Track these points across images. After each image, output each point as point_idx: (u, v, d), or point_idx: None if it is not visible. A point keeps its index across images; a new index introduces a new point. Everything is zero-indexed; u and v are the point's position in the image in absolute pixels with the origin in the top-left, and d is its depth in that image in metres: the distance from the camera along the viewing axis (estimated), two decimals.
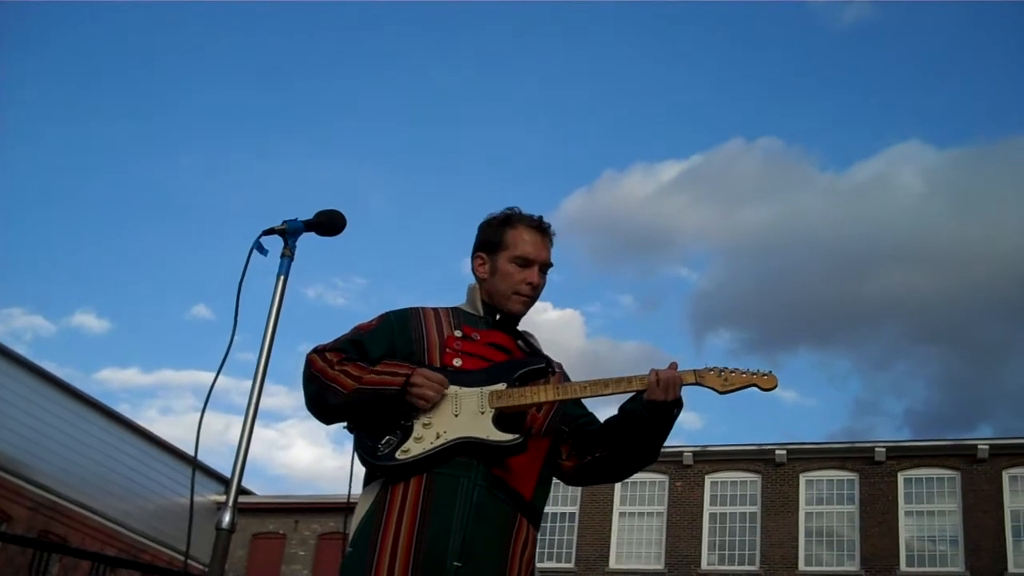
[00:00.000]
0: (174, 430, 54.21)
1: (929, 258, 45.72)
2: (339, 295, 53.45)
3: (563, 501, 26.69)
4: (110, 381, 50.58)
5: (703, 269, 53.48)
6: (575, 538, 26.55)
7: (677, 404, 2.99)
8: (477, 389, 2.97)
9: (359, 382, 2.94)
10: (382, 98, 54.31)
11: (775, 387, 3.00)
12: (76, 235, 51.69)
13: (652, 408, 2.97)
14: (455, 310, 3.21)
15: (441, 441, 2.89)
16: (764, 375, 3.00)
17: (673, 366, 2.99)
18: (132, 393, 53.93)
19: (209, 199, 53.16)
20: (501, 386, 2.97)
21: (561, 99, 54.08)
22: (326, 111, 54.13)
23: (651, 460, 3.14)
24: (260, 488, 32.43)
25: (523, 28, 53.26)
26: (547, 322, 47.54)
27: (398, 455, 2.89)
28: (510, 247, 3.16)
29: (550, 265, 3.21)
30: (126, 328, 53.79)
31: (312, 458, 55.47)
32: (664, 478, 26.67)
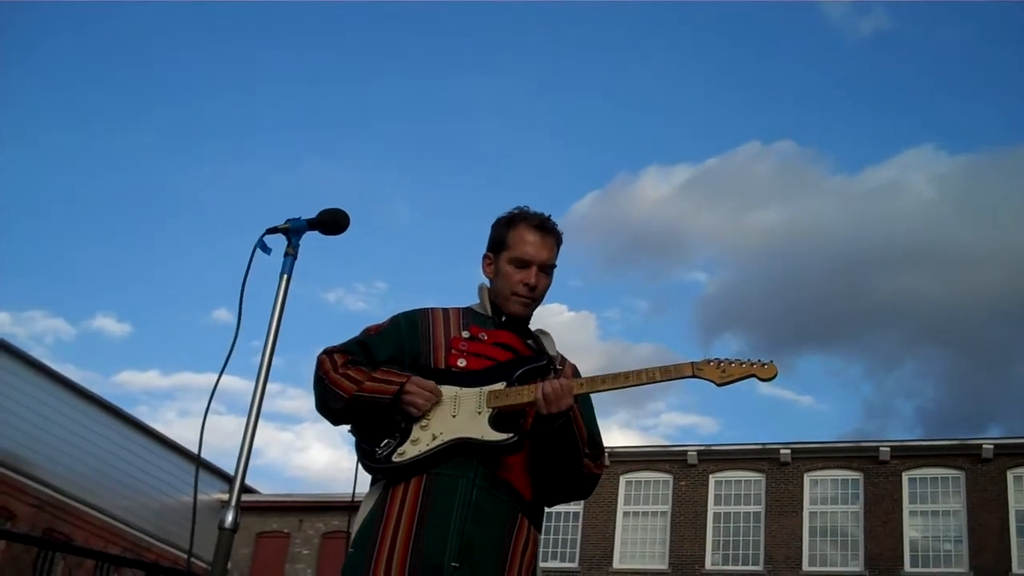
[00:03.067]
0: (192, 433, 54.39)
1: (939, 262, 45.75)
2: (359, 299, 53.47)
3: None
4: (129, 384, 50.76)
5: (715, 272, 53.52)
6: (579, 537, 26.53)
7: (562, 415, 2.92)
8: (477, 389, 2.97)
9: (359, 387, 2.96)
10: (401, 104, 54.39)
11: (775, 376, 2.89)
12: (98, 239, 51.89)
13: (542, 422, 2.92)
14: (466, 310, 3.20)
15: (437, 443, 2.90)
16: (763, 365, 2.90)
17: (570, 373, 2.96)
18: (151, 396, 54.16)
19: (231, 205, 53.30)
20: (500, 385, 2.96)
21: (578, 103, 54.17)
22: (349, 118, 54.25)
23: (573, 474, 3.06)
24: (277, 490, 32.50)
25: (544, 32, 53.31)
26: (561, 324, 47.59)
27: (395, 458, 2.91)
28: (511, 247, 3.14)
29: (552, 266, 3.17)
30: (146, 332, 54.07)
31: (328, 460, 55.60)
32: (668, 477, 26.64)
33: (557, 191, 53.70)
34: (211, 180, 51.50)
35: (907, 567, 23.95)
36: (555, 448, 2.97)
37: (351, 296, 53.84)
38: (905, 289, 44.25)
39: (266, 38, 52.11)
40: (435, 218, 55.56)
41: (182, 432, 58.06)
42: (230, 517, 2.77)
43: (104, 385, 58.08)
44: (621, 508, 26.68)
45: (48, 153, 48.22)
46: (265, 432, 55.91)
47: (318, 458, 55.30)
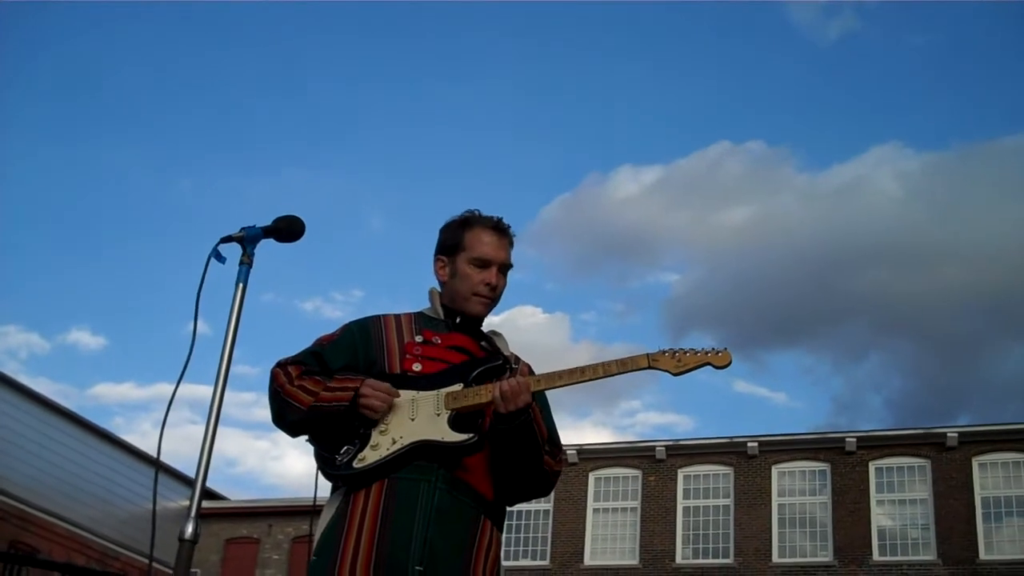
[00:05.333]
0: (168, 443, 54.38)
1: (905, 257, 46.20)
2: (336, 308, 53.36)
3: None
4: (105, 396, 50.75)
5: (687, 272, 53.87)
6: (550, 535, 26.53)
7: (522, 413, 2.91)
8: (434, 392, 2.97)
9: (315, 398, 2.95)
10: (372, 111, 54.33)
11: (729, 363, 2.94)
12: (72, 253, 51.80)
13: (501, 421, 2.92)
14: (417, 315, 3.20)
15: (397, 447, 2.89)
16: (718, 352, 2.95)
17: (526, 371, 2.98)
18: (126, 408, 54.18)
19: (207, 216, 53.04)
20: (458, 387, 2.97)
21: (549, 104, 54.26)
22: (321, 128, 54.18)
23: (533, 474, 3.06)
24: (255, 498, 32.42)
25: (511, 33, 53.37)
26: (535, 326, 47.75)
27: (355, 464, 2.90)
28: (468, 248, 3.16)
29: (509, 266, 3.21)
30: (122, 344, 54.25)
31: (305, 467, 55.53)
32: (637, 473, 26.72)
33: (530, 193, 53.96)
34: (187, 192, 51.49)
35: (876, 555, 24.15)
36: (516, 447, 2.97)
37: (329, 305, 53.81)
38: (872, 284, 44.63)
39: (245, 48, 52.16)
40: (408, 225, 55.59)
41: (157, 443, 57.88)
42: (190, 528, 2.75)
43: (79, 398, 58.07)
44: (591, 505, 26.73)
45: (21, 167, 47.99)
46: (241, 441, 55.94)
47: (295, 465, 55.32)
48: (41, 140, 48.65)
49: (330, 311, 52.78)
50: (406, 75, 53.61)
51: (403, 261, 55.57)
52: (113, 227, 52.05)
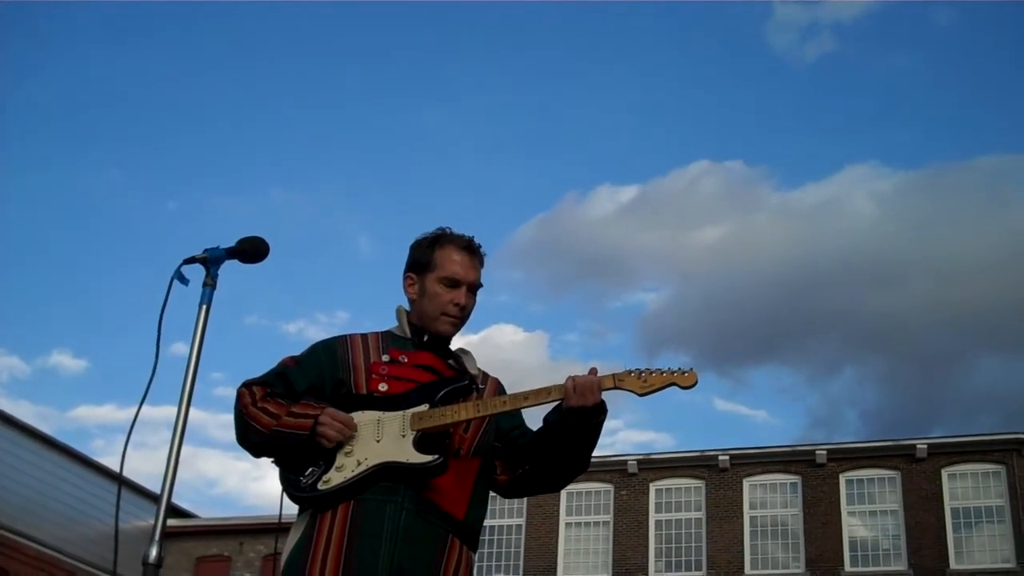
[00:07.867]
0: (148, 465, 54.22)
1: (881, 275, 46.56)
2: (321, 330, 53.19)
3: (509, 513, 26.64)
4: (86, 419, 50.65)
5: (665, 290, 54.21)
6: (522, 550, 26.48)
7: (600, 410, 2.94)
8: (400, 413, 2.96)
9: (278, 422, 2.94)
10: (358, 132, 54.32)
11: (695, 384, 2.93)
12: (53, 276, 51.80)
13: (573, 415, 2.92)
14: (385, 334, 3.19)
15: (362, 468, 2.88)
16: (684, 373, 2.94)
17: (593, 371, 2.95)
18: (107, 430, 54.09)
19: (190, 239, 52.81)
20: (423, 407, 2.96)
21: (529, 125, 54.44)
22: (307, 148, 54.20)
23: (581, 468, 3.10)
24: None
25: (492, 54, 53.55)
26: (513, 344, 47.78)
27: (320, 486, 2.89)
28: (438, 268, 3.14)
29: (479, 286, 3.20)
30: (102, 367, 54.13)
31: None
32: (609, 487, 26.71)
33: (509, 211, 54.04)
34: (173, 213, 51.39)
35: (848, 566, 24.24)
36: (575, 442, 2.99)
37: (313, 327, 53.71)
38: (846, 301, 44.92)
39: (227, 70, 52.09)
40: (394, 245, 55.70)
41: (139, 464, 57.84)
42: (154, 552, 2.73)
43: (60, 421, 57.93)
44: (563, 519, 26.70)
45: (2, 190, 47.81)
46: (222, 462, 55.72)
47: (276, 486, 54.90)
48: (23, 162, 48.62)
49: (314, 333, 52.85)
50: (389, 97, 53.78)
51: (388, 282, 55.47)
52: (94, 249, 52.04)
